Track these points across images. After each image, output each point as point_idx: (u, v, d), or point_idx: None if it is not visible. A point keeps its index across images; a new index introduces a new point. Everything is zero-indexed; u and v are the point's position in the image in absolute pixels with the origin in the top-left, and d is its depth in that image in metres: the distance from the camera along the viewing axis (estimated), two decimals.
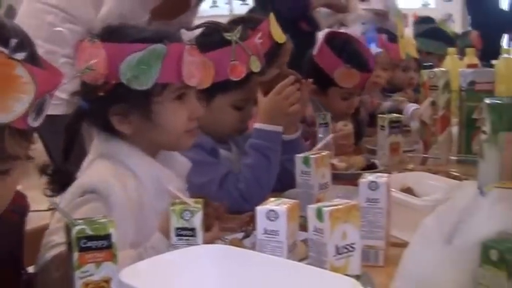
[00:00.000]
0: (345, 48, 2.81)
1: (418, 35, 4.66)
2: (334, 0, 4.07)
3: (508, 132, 1.36)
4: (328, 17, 4.28)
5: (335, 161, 2.40)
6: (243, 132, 2.21)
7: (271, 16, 2.54)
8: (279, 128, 2.12)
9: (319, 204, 1.27)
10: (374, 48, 3.20)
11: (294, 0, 3.36)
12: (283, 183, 2.04)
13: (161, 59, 1.55)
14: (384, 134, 2.53)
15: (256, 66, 2.06)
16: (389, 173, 2.08)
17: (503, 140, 1.37)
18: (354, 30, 3.74)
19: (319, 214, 1.23)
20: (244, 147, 2.14)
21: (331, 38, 2.82)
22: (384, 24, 5.09)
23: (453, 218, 1.22)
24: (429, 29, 4.90)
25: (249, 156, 2.09)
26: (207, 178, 1.99)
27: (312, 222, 1.25)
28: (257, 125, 2.12)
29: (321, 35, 2.84)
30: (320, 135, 2.48)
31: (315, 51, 2.80)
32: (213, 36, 2.06)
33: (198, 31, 2.04)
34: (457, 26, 8.48)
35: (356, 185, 1.58)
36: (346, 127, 2.73)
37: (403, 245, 1.29)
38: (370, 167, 2.39)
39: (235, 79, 2.04)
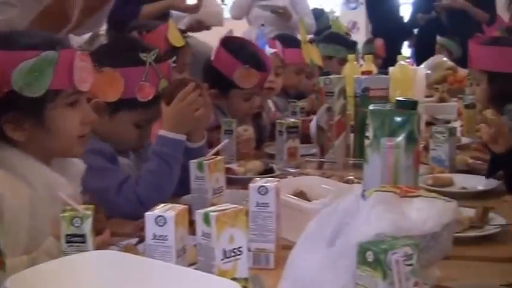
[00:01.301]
0: (241, 50, 2.86)
1: (318, 41, 4.73)
2: (175, 3, 3.92)
3: (389, 137, 1.43)
4: (181, 18, 4.18)
5: (234, 166, 2.43)
6: (139, 149, 2.23)
7: (171, 21, 2.58)
8: (183, 137, 2.13)
9: (207, 209, 1.29)
10: (266, 50, 3.26)
11: (121, 9, 3.37)
12: (187, 188, 2.06)
13: (53, 65, 1.57)
14: (281, 139, 2.58)
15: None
16: (285, 177, 2.13)
17: (384, 145, 1.43)
18: (248, 34, 3.77)
19: (207, 219, 1.26)
20: (145, 154, 2.16)
21: (227, 42, 2.86)
22: (288, 24, 5.12)
23: (335, 220, 1.27)
24: (329, 34, 4.98)
25: (150, 161, 2.10)
26: (105, 183, 1.99)
27: (200, 226, 1.27)
28: (161, 132, 2.13)
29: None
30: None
31: (212, 56, 2.84)
32: (129, 53, 2.10)
33: (87, 36, 2.04)
34: (361, 34, 8.68)
35: None
36: (247, 132, 2.77)
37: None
38: (268, 172, 2.43)
39: (142, 100, 2.07)
